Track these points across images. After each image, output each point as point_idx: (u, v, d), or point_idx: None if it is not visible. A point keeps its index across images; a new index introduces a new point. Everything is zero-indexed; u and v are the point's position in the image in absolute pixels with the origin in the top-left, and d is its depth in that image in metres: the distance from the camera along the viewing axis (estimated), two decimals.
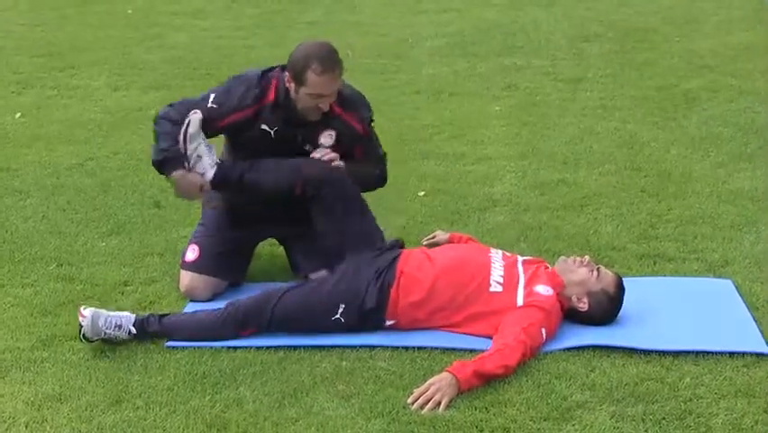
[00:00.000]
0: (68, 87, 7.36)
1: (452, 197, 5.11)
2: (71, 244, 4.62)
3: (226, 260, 4.13)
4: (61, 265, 4.40)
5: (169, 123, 3.94)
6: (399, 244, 3.99)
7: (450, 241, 4.21)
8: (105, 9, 10.13)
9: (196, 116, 3.90)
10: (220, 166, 3.97)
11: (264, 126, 3.98)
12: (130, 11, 10.03)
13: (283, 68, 3.97)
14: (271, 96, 3.97)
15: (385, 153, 4.22)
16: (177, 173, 3.90)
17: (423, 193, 5.15)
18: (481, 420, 3.21)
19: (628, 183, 5.24)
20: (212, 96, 3.99)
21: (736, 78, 7.09)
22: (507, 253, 3.91)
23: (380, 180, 4.22)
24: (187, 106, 3.97)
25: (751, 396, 3.31)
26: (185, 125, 3.89)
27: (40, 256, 4.49)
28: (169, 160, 3.90)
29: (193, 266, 4.11)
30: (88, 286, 4.20)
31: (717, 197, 5.01)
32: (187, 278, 4.10)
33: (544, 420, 3.21)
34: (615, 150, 5.75)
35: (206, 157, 3.93)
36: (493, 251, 3.89)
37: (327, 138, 4.03)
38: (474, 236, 4.37)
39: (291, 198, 3.96)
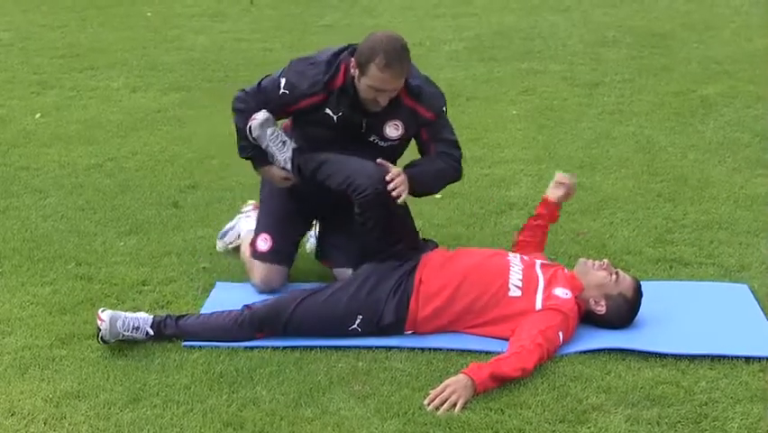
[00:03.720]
0: (88, 87, 7.40)
1: (469, 200, 5.12)
2: (90, 244, 4.65)
3: (292, 247, 4.21)
4: (80, 264, 4.43)
5: (247, 117, 3.98)
6: (432, 247, 3.99)
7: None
8: (124, 11, 10.18)
9: (255, 122, 3.92)
10: (295, 162, 3.97)
11: (328, 111, 3.92)
12: (149, 13, 10.08)
13: (353, 51, 3.88)
14: (340, 80, 3.88)
15: (459, 146, 4.04)
16: (263, 169, 4.10)
17: (439, 196, 5.16)
18: (497, 422, 3.22)
19: (645, 188, 5.24)
20: (282, 81, 3.93)
21: (753, 85, 7.07)
22: (525, 257, 3.91)
23: (454, 171, 4.03)
24: (261, 96, 3.98)
25: (767, 401, 3.31)
26: (247, 131, 3.96)
27: (59, 255, 4.52)
28: (254, 158, 4.07)
29: (268, 256, 4.12)
30: (107, 285, 4.23)
31: (734, 202, 5.01)
32: (263, 269, 4.11)
33: (560, 423, 3.22)
34: (631, 154, 5.75)
35: (278, 154, 3.97)
36: (511, 254, 3.90)
37: (393, 129, 3.96)
38: (490, 240, 4.38)
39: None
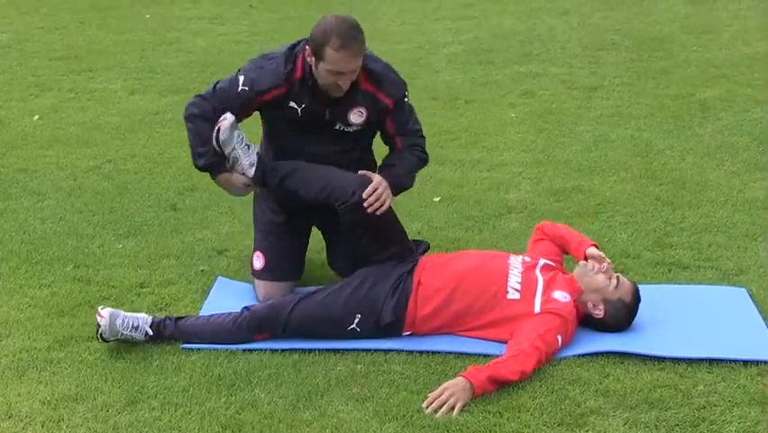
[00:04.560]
0: (86, 90, 7.40)
1: (468, 203, 5.13)
2: (88, 246, 4.65)
3: (289, 260, 4.14)
4: (78, 267, 4.43)
5: (205, 121, 3.87)
6: (425, 248, 3.98)
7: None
8: (123, 14, 10.19)
9: (225, 123, 3.81)
10: (259, 167, 3.90)
11: (292, 104, 3.89)
12: (148, 15, 10.09)
13: (307, 41, 3.85)
14: (299, 72, 3.86)
15: (423, 134, 4.06)
16: (221, 177, 3.96)
17: (438, 199, 5.17)
18: (495, 425, 3.22)
19: (643, 191, 5.24)
20: (241, 78, 3.87)
21: (752, 88, 7.08)
22: (527, 258, 3.90)
23: (423, 162, 4.08)
24: (219, 98, 3.88)
25: (765, 404, 3.32)
26: (215, 132, 3.83)
27: (57, 257, 4.52)
28: (212, 165, 3.92)
29: (263, 274, 4.11)
30: (105, 287, 4.23)
31: (732, 205, 5.01)
32: (261, 287, 4.11)
33: (558, 426, 3.22)
34: (630, 158, 5.75)
35: (244, 158, 3.87)
36: (512, 256, 3.89)
37: (357, 116, 3.93)
38: (489, 243, 4.38)
39: (325, 206, 3.88)
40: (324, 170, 3.88)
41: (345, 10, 10.12)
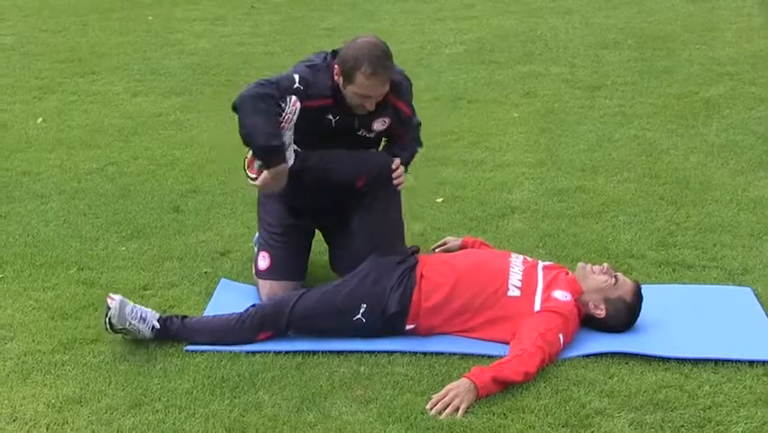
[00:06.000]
0: (89, 92, 7.40)
1: (471, 203, 5.12)
2: (92, 248, 4.65)
3: (295, 260, 4.16)
4: (82, 269, 4.43)
5: (275, 104, 3.78)
6: (415, 250, 4.01)
7: (462, 245, 4.24)
8: (125, 15, 10.18)
9: (299, 104, 3.79)
10: (298, 154, 3.93)
11: (330, 116, 3.94)
12: (150, 17, 10.08)
13: (334, 54, 3.90)
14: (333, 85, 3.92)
15: (420, 122, 4.26)
16: (278, 167, 3.80)
17: (441, 199, 5.16)
18: (499, 426, 3.21)
19: (647, 190, 5.23)
20: (296, 77, 3.86)
21: (756, 86, 7.07)
22: (529, 258, 3.91)
23: (419, 146, 4.29)
24: (282, 86, 3.83)
25: None
26: (291, 114, 3.76)
27: (60, 260, 4.52)
28: (280, 149, 3.77)
29: (268, 274, 4.11)
30: (108, 290, 4.19)
31: (737, 205, 5.00)
32: (265, 287, 4.11)
33: (563, 427, 3.21)
34: (633, 157, 5.75)
35: (293, 145, 3.88)
36: (513, 255, 3.90)
37: (380, 124, 4.03)
38: (492, 243, 4.38)
39: (350, 190, 3.99)
40: (353, 152, 4.03)
41: (347, 10, 10.13)
